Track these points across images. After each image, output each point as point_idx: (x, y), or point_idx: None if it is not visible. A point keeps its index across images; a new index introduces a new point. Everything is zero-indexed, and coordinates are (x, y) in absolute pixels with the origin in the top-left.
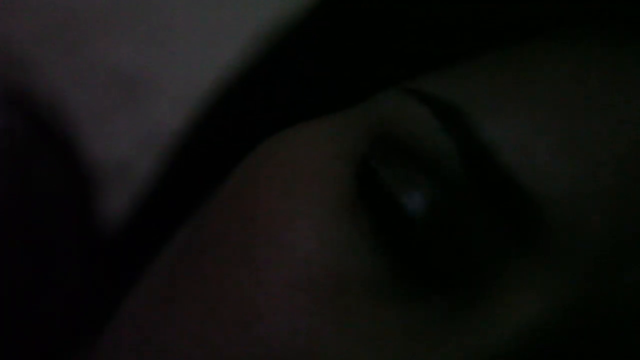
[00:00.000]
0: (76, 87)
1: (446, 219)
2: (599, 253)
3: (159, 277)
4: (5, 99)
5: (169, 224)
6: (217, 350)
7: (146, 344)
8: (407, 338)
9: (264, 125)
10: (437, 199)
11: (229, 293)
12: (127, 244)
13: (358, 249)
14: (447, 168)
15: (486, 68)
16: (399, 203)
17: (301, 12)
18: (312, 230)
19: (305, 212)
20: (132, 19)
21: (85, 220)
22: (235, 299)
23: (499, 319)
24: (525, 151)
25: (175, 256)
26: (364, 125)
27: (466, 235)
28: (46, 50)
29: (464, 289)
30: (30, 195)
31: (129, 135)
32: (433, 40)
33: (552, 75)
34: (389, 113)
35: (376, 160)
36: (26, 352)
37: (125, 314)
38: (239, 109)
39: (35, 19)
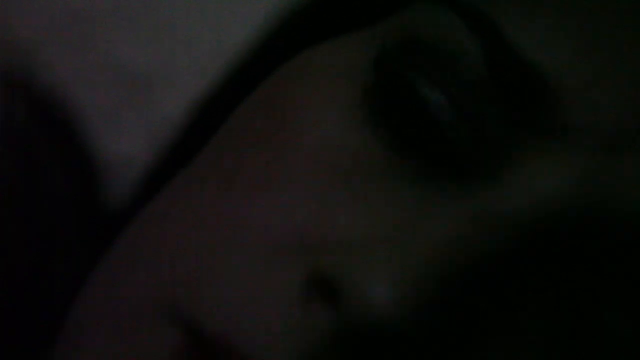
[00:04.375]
0: (84, 84)
1: (464, 111)
2: (607, 135)
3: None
4: (4, 83)
5: None
6: (244, 219)
7: (170, 221)
8: (418, 204)
9: None
10: (455, 93)
11: (255, 173)
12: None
13: (372, 135)
14: (469, 65)
15: None
16: (420, 95)
17: None
18: (335, 118)
19: (329, 103)
20: (139, 15)
21: (88, 203)
22: (261, 176)
23: (515, 188)
24: (548, 49)
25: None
26: (391, 32)
27: (483, 123)
28: (54, 48)
29: (480, 168)
30: (31, 177)
31: (136, 132)
32: None
33: None
34: (417, 20)
35: (396, 56)
36: (29, 340)
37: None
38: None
39: (43, 16)
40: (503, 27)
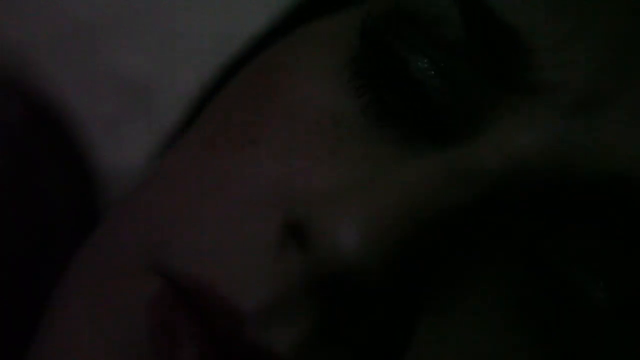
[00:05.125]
0: (86, 95)
1: (444, 73)
2: (579, 95)
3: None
4: (1, 84)
5: None
6: (222, 174)
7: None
8: (393, 158)
9: None
10: (436, 56)
11: (237, 131)
12: None
13: (352, 98)
14: (449, 29)
15: None
16: (402, 59)
17: None
18: (317, 80)
19: (313, 68)
20: (141, 26)
21: (85, 203)
22: (241, 133)
23: (488, 147)
24: (522, 10)
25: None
26: (375, 4)
27: (461, 85)
28: (56, 58)
29: (458, 130)
30: (24, 177)
31: (137, 142)
32: None
33: None
34: None
35: (383, 25)
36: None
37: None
38: None
39: (45, 27)
40: None
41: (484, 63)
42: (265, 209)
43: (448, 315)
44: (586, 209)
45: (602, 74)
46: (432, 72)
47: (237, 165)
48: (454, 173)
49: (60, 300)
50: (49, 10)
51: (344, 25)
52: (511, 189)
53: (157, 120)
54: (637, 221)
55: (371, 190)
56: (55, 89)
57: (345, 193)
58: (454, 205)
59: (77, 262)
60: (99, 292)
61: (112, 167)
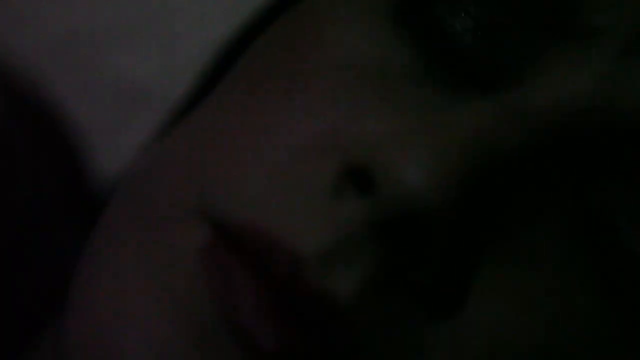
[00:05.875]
0: (83, 100)
1: (487, 25)
2: (627, 38)
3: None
4: None
5: None
6: (272, 123)
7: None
8: (448, 102)
9: None
10: (480, 19)
11: (283, 80)
12: None
13: (398, 46)
14: None
15: None
16: (443, 20)
17: None
18: (362, 27)
19: (355, 14)
20: (140, 31)
21: (78, 203)
22: (288, 82)
23: (538, 90)
24: None
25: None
26: None
27: (507, 32)
28: (55, 63)
29: (506, 75)
30: (12, 171)
31: (137, 148)
32: None
33: None
34: None
35: None
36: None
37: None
38: None
39: (42, 33)
40: None
41: (528, 9)
42: (318, 154)
43: (508, 266)
44: (634, 154)
45: None
46: (474, 32)
47: (286, 112)
48: (508, 115)
49: (99, 254)
50: (48, 16)
51: None
52: (564, 130)
53: (154, 123)
54: None
55: (432, 131)
56: (54, 93)
57: (406, 135)
58: (513, 145)
59: (110, 215)
60: (147, 239)
61: (111, 171)
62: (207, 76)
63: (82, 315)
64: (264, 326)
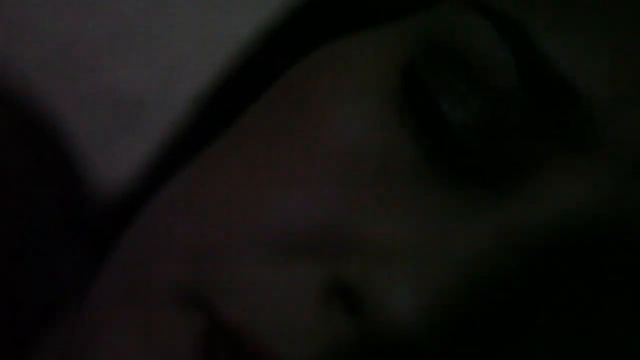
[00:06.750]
0: (79, 110)
1: (490, 124)
2: (636, 155)
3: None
4: None
5: None
6: (265, 209)
7: (191, 204)
8: (445, 215)
9: None
10: (482, 106)
11: (277, 162)
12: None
13: (401, 135)
14: (499, 78)
15: None
16: (440, 108)
17: None
18: (361, 114)
19: (356, 98)
20: (135, 42)
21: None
22: (284, 167)
23: (537, 202)
24: (581, 61)
25: (220, 144)
26: (419, 33)
27: (509, 134)
28: (49, 74)
29: (507, 179)
30: (9, 183)
31: (131, 158)
32: None
33: None
34: (446, 23)
35: (424, 64)
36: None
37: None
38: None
39: (38, 43)
40: (535, 35)
41: (535, 113)
42: (310, 256)
43: None
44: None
45: None
46: (474, 128)
47: (281, 202)
48: (508, 233)
49: (92, 334)
50: (44, 26)
51: (385, 52)
52: (565, 247)
53: (151, 134)
54: None
55: (426, 254)
56: (50, 103)
57: (398, 255)
58: (510, 268)
59: (106, 289)
60: (145, 320)
61: (106, 181)
62: (206, 102)
63: None
64: None
